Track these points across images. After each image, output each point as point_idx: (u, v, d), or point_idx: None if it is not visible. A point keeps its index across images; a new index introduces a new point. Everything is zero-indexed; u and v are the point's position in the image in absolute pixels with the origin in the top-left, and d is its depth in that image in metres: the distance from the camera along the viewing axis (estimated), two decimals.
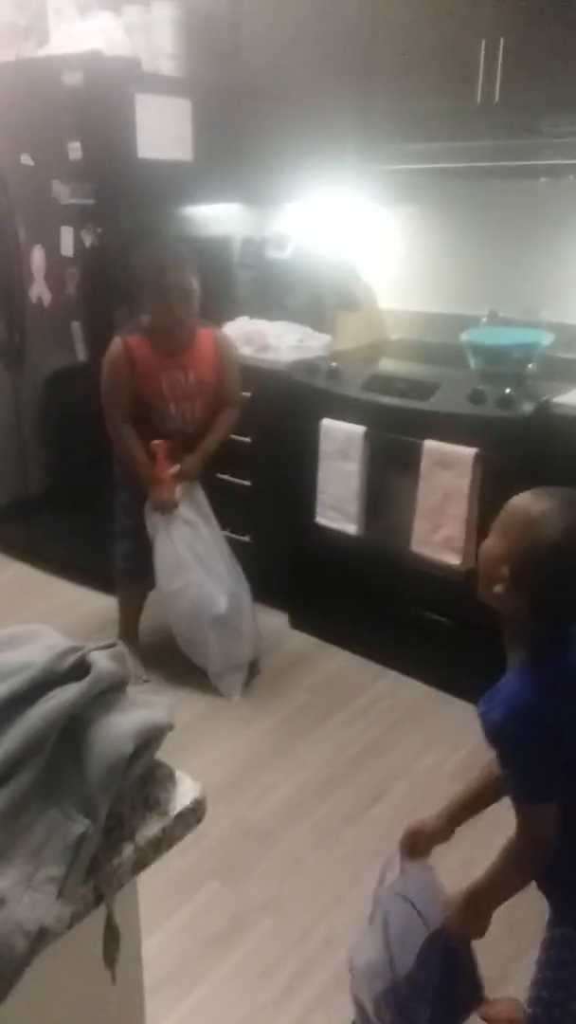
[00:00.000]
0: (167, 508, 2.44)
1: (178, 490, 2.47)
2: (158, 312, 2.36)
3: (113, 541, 2.64)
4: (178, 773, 0.89)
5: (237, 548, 3.00)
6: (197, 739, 2.35)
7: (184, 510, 2.49)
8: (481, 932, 1.26)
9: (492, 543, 1.17)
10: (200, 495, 2.56)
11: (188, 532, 2.48)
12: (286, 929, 1.77)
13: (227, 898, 1.84)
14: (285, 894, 1.86)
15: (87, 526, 3.04)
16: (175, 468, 2.45)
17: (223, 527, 3.01)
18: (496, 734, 1.14)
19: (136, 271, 2.43)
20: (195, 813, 0.85)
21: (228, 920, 1.79)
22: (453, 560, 2.38)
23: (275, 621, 2.96)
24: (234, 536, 3.01)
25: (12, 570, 3.36)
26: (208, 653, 2.54)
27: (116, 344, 2.40)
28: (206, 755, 2.29)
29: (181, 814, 0.84)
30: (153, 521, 2.47)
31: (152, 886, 1.93)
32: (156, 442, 2.41)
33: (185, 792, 0.86)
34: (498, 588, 1.14)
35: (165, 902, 1.83)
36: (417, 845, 1.41)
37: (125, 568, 2.63)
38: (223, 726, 2.42)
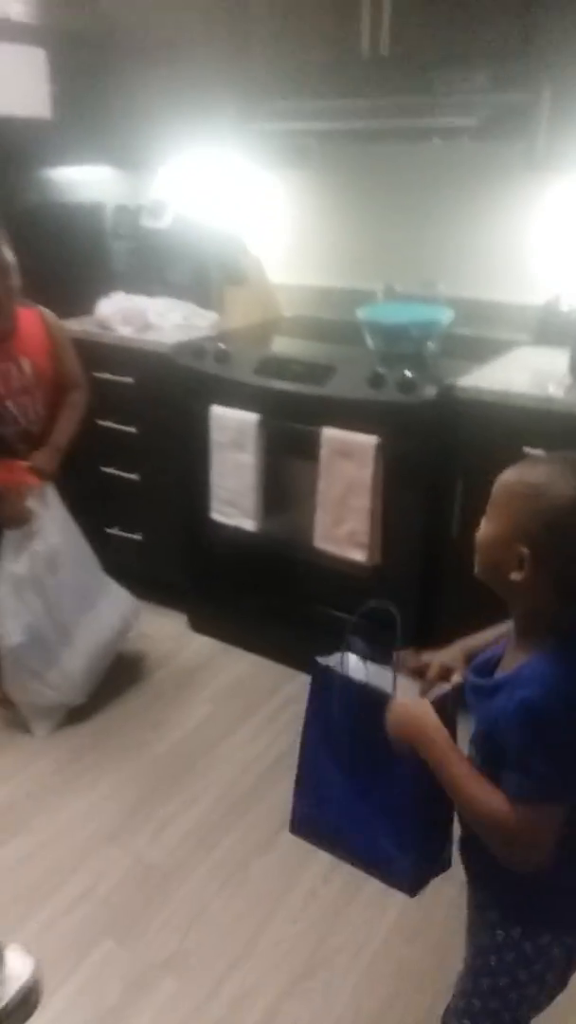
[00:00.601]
0: (23, 519, 2.14)
1: (33, 495, 2.19)
2: None
3: None
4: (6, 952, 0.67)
5: (127, 547, 2.78)
6: (83, 771, 2.12)
7: (36, 526, 2.18)
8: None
9: (492, 529, 1.04)
10: (54, 499, 2.25)
11: (38, 547, 2.18)
12: (191, 989, 1.59)
13: (123, 959, 1.64)
14: (189, 947, 1.67)
15: None
16: (25, 464, 2.19)
17: (109, 524, 2.78)
18: (527, 716, 0.97)
19: None
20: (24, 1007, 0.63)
21: (125, 985, 1.59)
22: (358, 556, 2.22)
23: (174, 624, 2.74)
24: (123, 534, 2.77)
25: None
26: (6, 681, 2.26)
27: None
28: (95, 790, 2.06)
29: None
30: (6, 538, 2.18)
31: (42, 948, 1.72)
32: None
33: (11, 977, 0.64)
34: (515, 575, 1.00)
35: (57, 967, 1.61)
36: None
37: None
38: (113, 752, 2.19)
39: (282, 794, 2.03)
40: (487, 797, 1.02)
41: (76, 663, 2.25)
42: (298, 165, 2.70)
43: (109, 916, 1.73)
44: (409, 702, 1.14)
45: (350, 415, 2.15)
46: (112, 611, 2.36)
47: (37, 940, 1.66)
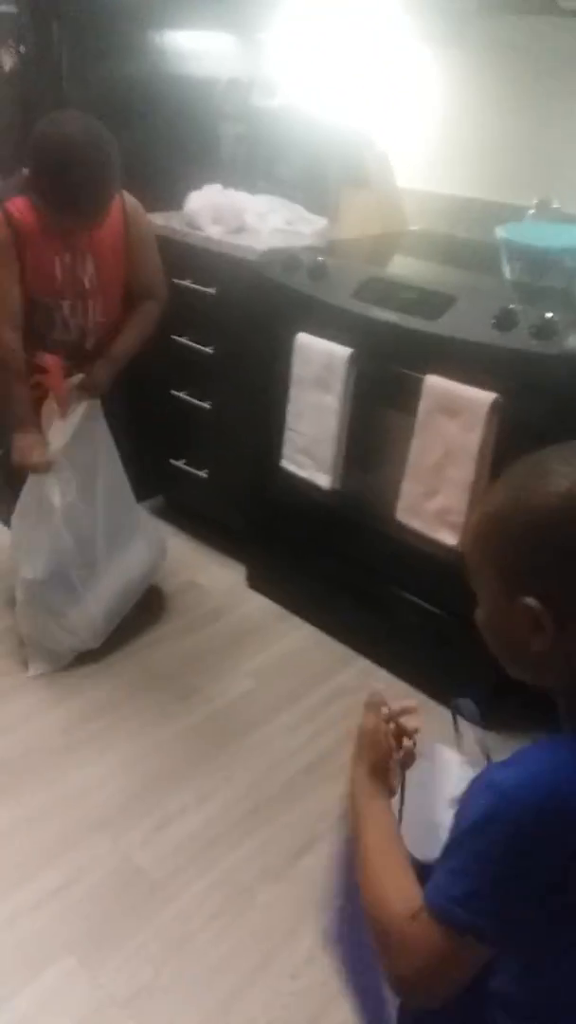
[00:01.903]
0: (39, 469, 1.84)
1: (77, 412, 1.87)
2: (49, 221, 1.72)
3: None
4: None
5: (192, 483, 2.45)
6: (92, 737, 1.85)
7: (74, 448, 1.88)
8: None
9: (484, 602, 0.80)
10: (98, 420, 1.94)
11: (71, 473, 1.88)
12: None
13: (82, 985, 1.37)
14: (160, 986, 1.39)
15: None
16: (77, 378, 1.85)
17: (175, 456, 2.45)
18: (492, 797, 0.70)
19: (34, 162, 1.68)
20: None
21: (75, 1021, 1.33)
22: (448, 538, 1.79)
23: (231, 577, 2.41)
24: (189, 468, 2.44)
25: None
26: (18, 615, 2.00)
27: None
28: (101, 761, 1.79)
29: None
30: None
31: (1, 948, 1.41)
32: (48, 356, 1.79)
33: None
34: (537, 643, 0.74)
35: (9, 976, 1.37)
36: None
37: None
38: (132, 719, 1.91)
39: (313, 808, 1.71)
40: (392, 882, 0.77)
41: (98, 605, 1.98)
42: (448, 37, 2.15)
43: (79, 924, 1.46)
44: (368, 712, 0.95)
45: (464, 362, 1.69)
46: (143, 549, 2.08)
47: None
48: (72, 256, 1.79)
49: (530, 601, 0.73)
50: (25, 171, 1.68)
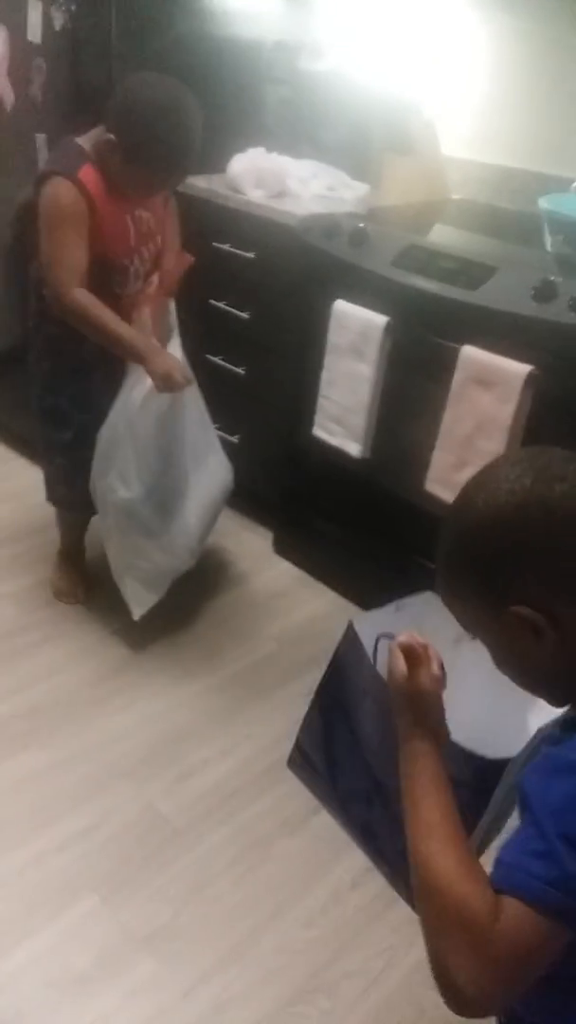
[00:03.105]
0: (179, 383, 1.77)
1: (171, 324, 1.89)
2: (138, 184, 1.73)
3: (46, 458, 2.06)
4: None
5: (223, 447, 2.47)
6: (118, 691, 1.90)
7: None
8: None
9: (478, 630, 0.80)
10: (195, 392, 1.95)
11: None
12: (167, 980, 1.36)
13: (104, 922, 1.43)
14: (179, 926, 1.44)
15: None
16: (153, 281, 1.86)
17: None
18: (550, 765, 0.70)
19: (130, 127, 1.64)
20: None
21: (98, 954, 1.39)
22: None
23: (258, 542, 2.45)
24: (220, 433, 2.45)
25: None
26: (109, 546, 1.97)
27: (63, 189, 1.66)
28: (127, 713, 1.84)
29: None
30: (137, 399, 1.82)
31: (22, 886, 1.43)
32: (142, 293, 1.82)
33: None
34: (538, 648, 0.74)
35: (32, 914, 1.44)
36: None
37: (64, 497, 2.07)
38: (157, 676, 1.96)
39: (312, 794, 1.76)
40: (459, 870, 0.71)
41: (191, 521, 1.99)
42: (498, 6, 2.12)
43: (103, 865, 1.52)
44: (393, 653, 0.89)
45: (501, 333, 1.69)
46: (220, 468, 2.10)
47: (20, 875, 1.49)
48: (139, 210, 1.80)
49: (518, 609, 0.73)
50: (111, 138, 1.63)
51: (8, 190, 2.37)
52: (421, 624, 0.94)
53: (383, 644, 0.96)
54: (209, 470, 2.06)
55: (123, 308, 1.80)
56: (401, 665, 0.88)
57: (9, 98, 2.24)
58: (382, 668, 0.95)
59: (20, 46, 2.15)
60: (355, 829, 1.20)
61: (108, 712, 1.84)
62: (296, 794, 1.67)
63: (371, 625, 1.07)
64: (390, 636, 0.93)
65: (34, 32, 2.10)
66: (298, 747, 1.24)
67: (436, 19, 2.28)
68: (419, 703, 0.86)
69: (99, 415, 1.84)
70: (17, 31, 2.14)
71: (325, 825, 1.62)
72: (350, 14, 2.40)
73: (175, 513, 1.96)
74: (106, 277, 1.79)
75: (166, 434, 1.88)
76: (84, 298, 1.72)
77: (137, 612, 1.98)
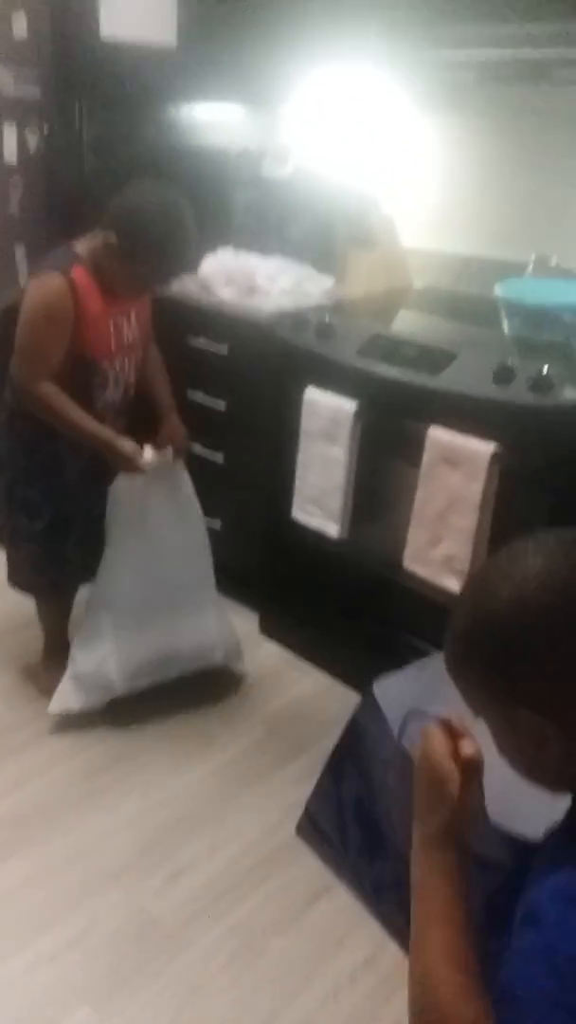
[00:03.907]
0: (139, 466, 1.86)
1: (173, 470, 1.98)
2: (134, 283, 1.82)
3: (12, 544, 2.07)
4: None
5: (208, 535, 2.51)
6: (107, 788, 1.88)
7: (161, 493, 1.95)
8: None
9: (492, 727, 0.75)
10: (184, 478, 2.02)
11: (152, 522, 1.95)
12: None
13: None
14: None
15: None
16: (168, 452, 1.95)
17: None
18: (545, 959, 0.63)
19: (132, 229, 1.73)
20: None
21: None
22: (454, 585, 1.83)
23: (244, 624, 2.45)
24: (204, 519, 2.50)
25: None
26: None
27: (55, 282, 1.73)
28: (116, 811, 1.82)
29: None
30: (118, 496, 1.91)
31: (15, 997, 1.40)
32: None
33: None
34: (545, 751, 0.71)
35: None
36: None
37: (32, 582, 2.09)
38: (146, 770, 1.94)
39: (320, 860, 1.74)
40: (461, 996, 0.68)
41: (141, 651, 2.01)
42: (448, 106, 2.27)
43: (95, 973, 1.48)
44: (429, 737, 0.81)
45: (464, 414, 1.76)
46: (204, 630, 2.10)
47: (11, 987, 1.45)
48: (121, 316, 1.86)
49: (526, 713, 0.70)
50: (109, 239, 1.73)
51: None
52: (445, 686, 0.89)
53: (414, 721, 0.90)
54: (190, 623, 2.08)
55: (98, 414, 1.87)
56: (445, 767, 0.79)
57: None
58: (411, 744, 0.90)
59: None
60: (368, 895, 1.16)
61: (96, 811, 1.82)
62: (289, 888, 1.66)
63: (392, 690, 1.03)
64: (423, 714, 0.87)
65: (10, 154, 2.23)
66: (308, 814, 1.23)
67: (390, 120, 2.44)
68: (457, 814, 0.78)
69: (73, 506, 1.91)
70: None
71: (320, 918, 1.60)
72: (309, 120, 2.56)
73: (136, 633, 2.00)
74: (85, 379, 1.85)
75: (150, 555, 1.96)
76: (49, 390, 1.79)
77: (52, 710, 2.01)
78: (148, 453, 1.88)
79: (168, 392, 2.05)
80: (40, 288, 1.76)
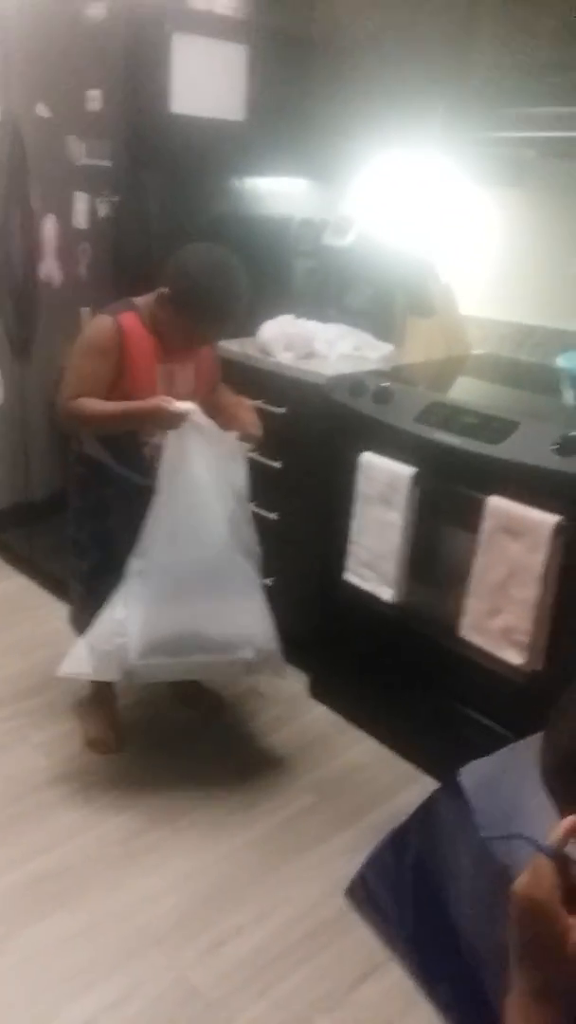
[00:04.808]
0: (177, 413, 1.79)
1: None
2: (183, 334, 1.87)
3: (72, 586, 2.12)
4: None
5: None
6: (150, 848, 1.85)
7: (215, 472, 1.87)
8: None
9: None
10: (242, 470, 1.93)
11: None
12: None
13: None
14: None
15: None
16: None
17: None
18: None
19: (183, 281, 1.81)
20: None
21: None
22: (513, 657, 1.79)
23: (293, 686, 2.43)
24: None
25: (9, 582, 2.97)
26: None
27: (103, 321, 1.84)
28: (159, 873, 1.79)
29: None
30: (166, 462, 1.84)
31: None
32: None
33: None
34: None
35: None
36: None
37: (84, 623, 2.01)
38: (190, 831, 1.91)
39: (368, 937, 1.68)
40: None
41: (164, 625, 1.88)
42: (509, 182, 2.32)
43: None
44: (539, 875, 0.67)
45: (526, 485, 1.74)
46: (237, 621, 1.97)
47: None
48: (174, 363, 1.91)
49: None
50: (163, 291, 1.81)
51: (55, 356, 2.55)
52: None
53: (523, 847, 0.79)
54: (223, 611, 1.95)
55: (148, 459, 1.89)
56: (559, 922, 0.66)
57: (58, 278, 2.45)
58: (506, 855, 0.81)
59: (67, 232, 2.38)
60: (423, 979, 1.10)
61: (139, 871, 1.79)
62: (336, 964, 1.60)
63: (480, 777, 0.98)
64: (535, 844, 0.70)
65: (80, 220, 2.33)
66: (362, 881, 1.18)
67: (450, 193, 2.49)
68: (569, 976, 0.67)
69: (112, 555, 1.90)
70: (64, 219, 2.38)
71: (370, 998, 1.55)
72: (371, 193, 2.63)
73: (159, 605, 1.87)
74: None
75: (190, 528, 1.86)
76: (80, 400, 1.83)
77: (63, 671, 1.93)
78: (190, 405, 1.83)
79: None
80: (89, 327, 1.89)
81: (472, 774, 0.95)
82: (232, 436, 1.90)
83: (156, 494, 1.85)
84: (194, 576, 1.90)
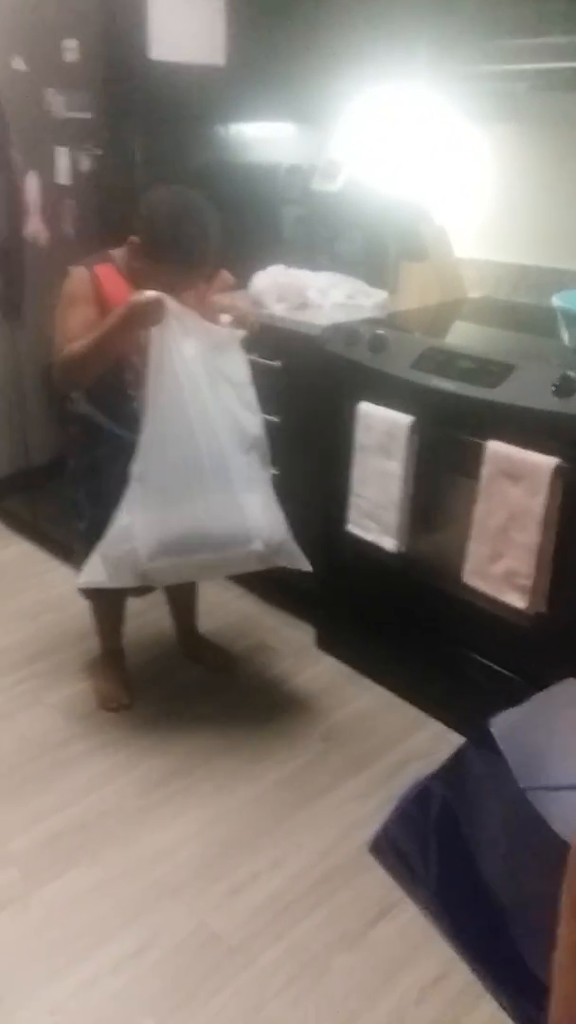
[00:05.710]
0: (153, 303, 1.74)
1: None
2: (156, 278, 1.80)
3: (78, 541, 2.10)
4: None
5: None
6: (165, 801, 1.89)
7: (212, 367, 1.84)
8: None
9: None
10: (242, 361, 1.91)
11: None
12: None
13: None
14: None
15: None
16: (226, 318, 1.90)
17: None
18: None
19: (150, 229, 1.78)
20: None
21: None
22: (516, 600, 1.80)
23: (300, 638, 2.46)
24: None
25: (14, 548, 2.98)
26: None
27: (79, 272, 1.84)
28: (175, 825, 1.83)
29: None
30: (155, 360, 1.80)
31: (76, 1014, 1.41)
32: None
33: None
34: None
35: None
36: None
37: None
38: (204, 783, 1.95)
39: (385, 876, 1.72)
40: None
41: (169, 525, 1.84)
42: (501, 117, 2.25)
43: (156, 987, 1.49)
44: None
45: (525, 428, 1.73)
46: (243, 514, 1.89)
47: (74, 999, 1.47)
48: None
49: None
50: (133, 240, 1.79)
51: (48, 318, 2.52)
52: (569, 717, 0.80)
53: (561, 798, 0.74)
54: (226, 502, 1.88)
55: (133, 412, 1.87)
56: None
57: (44, 237, 2.41)
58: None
59: (51, 189, 2.33)
60: (446, 928, 1.11)
61: (156, 824, 1.83)
62: (351, 905, 1.65)
63: (510, 727, 0.98)
64: None
65: (63, 175, 2.28)
66: (386, 835, 1.18)
67: (441, 132, 2.43)
68: None
69: (105, 513, 1.88)
70: (47, 175, 2.33)
71: (387, 936, 1.59)
72: (360, 135, 2.56)
73: (162, 505, 1.84)
74: (118, 373, 1.88)
75: (185, 416, 1.82)
76: (68, 348, 1.80)
77: (79, 580, 1.95)
78: (160, 293, 1.77)
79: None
80: (66, 282, 1.87)
81: (502, 725, 0.93)
82: (224, 328, 1.87)
83: (148, 395, 1.81)
84: (193, 473, 1.86)
